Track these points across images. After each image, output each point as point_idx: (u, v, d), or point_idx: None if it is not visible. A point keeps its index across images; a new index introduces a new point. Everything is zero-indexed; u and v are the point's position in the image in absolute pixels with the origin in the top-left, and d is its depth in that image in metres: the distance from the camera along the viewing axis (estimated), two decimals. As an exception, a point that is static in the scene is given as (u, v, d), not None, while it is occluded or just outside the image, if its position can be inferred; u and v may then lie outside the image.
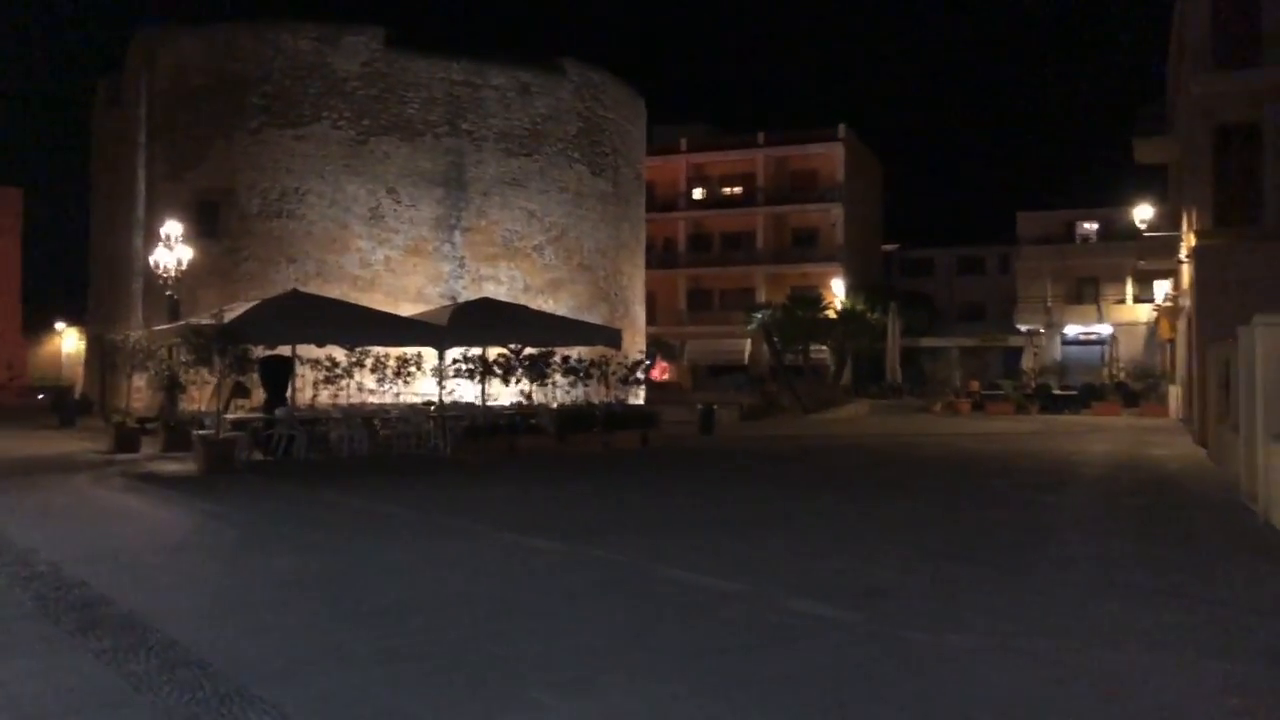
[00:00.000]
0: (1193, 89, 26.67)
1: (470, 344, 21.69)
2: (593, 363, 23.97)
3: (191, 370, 20.20)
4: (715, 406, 27.70)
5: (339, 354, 23.51)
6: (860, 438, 26.53)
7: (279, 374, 20.42)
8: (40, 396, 46.23)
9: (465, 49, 34.12)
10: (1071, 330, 56.78)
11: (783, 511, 13.08)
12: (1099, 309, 55.68)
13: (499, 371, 21.45)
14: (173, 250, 24.30)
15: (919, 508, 13.37)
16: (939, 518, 12.49)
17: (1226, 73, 26.51)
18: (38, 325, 56.55)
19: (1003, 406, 36.84)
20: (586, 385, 24.46)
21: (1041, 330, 56.46)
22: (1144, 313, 52.36)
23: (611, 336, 23.26)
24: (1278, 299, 23.64)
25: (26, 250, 59.86)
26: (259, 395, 21.90)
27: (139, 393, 28.80)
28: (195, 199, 31.60)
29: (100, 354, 32.12)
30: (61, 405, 30.49)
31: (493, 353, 22.56)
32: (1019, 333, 58.34)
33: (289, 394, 20.83)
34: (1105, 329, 55.32)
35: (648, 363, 37.29)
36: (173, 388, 22.15)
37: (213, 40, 32.12)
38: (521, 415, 21.57)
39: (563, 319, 27.22)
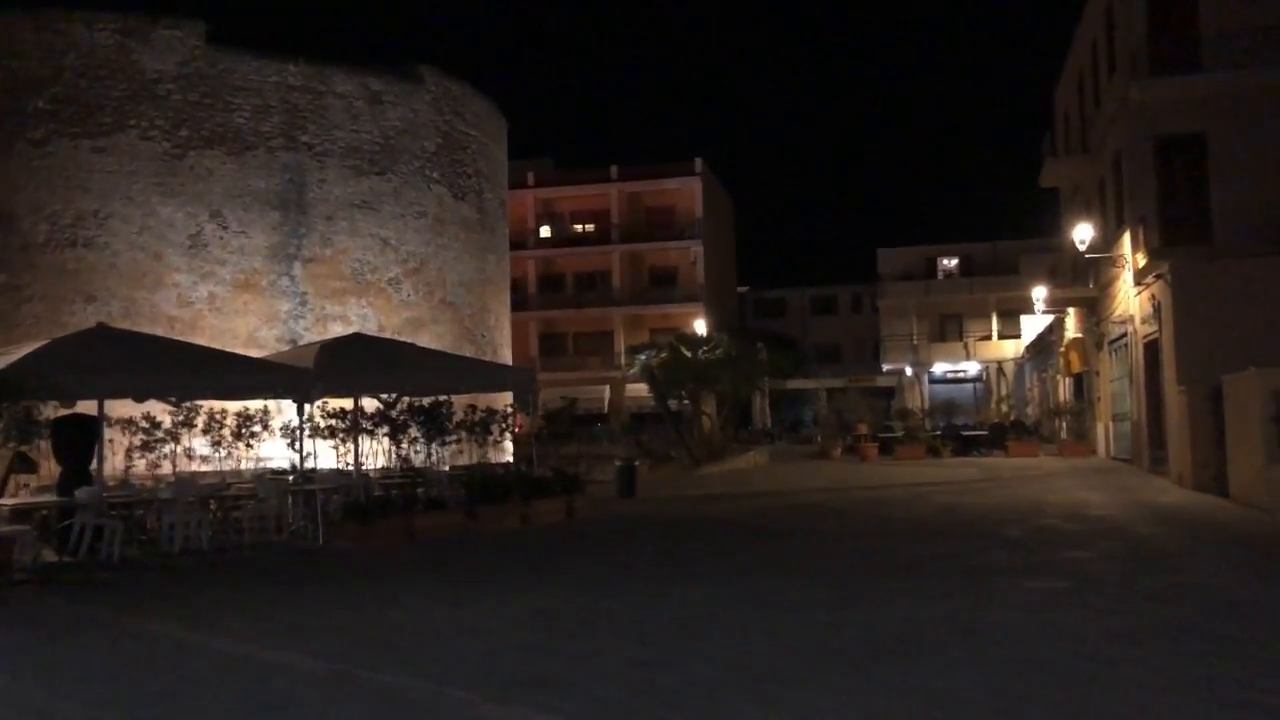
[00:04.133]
0: (1131, 96, 24.51)
1: (345, 392, 16.72)
2: (490, 413, 19.35)
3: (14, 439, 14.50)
4: (636, 463, 23.35)
5: (159, 410, 18.07)
6: (807, 494, 22.71)
7: (79, 441, 14.91)
8: None
9: (303, 50, 29.04)
10: (939, 368, 55.33)
11: (894, 631, 8.90)
12: (965, 346, 54.43)
13: (383, 429, 16.53)
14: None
15: (1060, 608, 9.51)
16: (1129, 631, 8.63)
17: (1167, 79, 24.52)
18: None
19: (912, 450, 33.98)
20: (452, 444, 19.68)
21: (909, 369, 54.79)
22: (1010, 349, 51.30)
23: (521, 380, 18.71)
24: (1253, 323, 21.44)
25: None
26: (52, 469, 16.29)
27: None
28: (-39, 225, 25.27)
29: None
30: None
31: (367, 404, 17.67)
32: (883, 373, 56.59)
33: (94, 467, 15.30)
34: (973, 367, 54.07)
35: (516, 413, 32.63)
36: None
37: (-16, 32, 25.97)
38: (414, 485, 16.71)
39: (461, 359, 22.52)
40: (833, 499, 21.39)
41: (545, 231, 57.27)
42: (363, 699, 6.89)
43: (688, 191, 55.31)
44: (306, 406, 16.22)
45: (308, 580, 12.42)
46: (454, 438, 18.71)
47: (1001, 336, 53.54)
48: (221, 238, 26.65)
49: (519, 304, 55.56)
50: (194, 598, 11.20)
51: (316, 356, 16.19)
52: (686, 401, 36.27)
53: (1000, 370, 52.02)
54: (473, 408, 19.39)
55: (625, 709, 6.51)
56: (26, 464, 16.91)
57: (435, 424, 16.71)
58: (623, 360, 43.52)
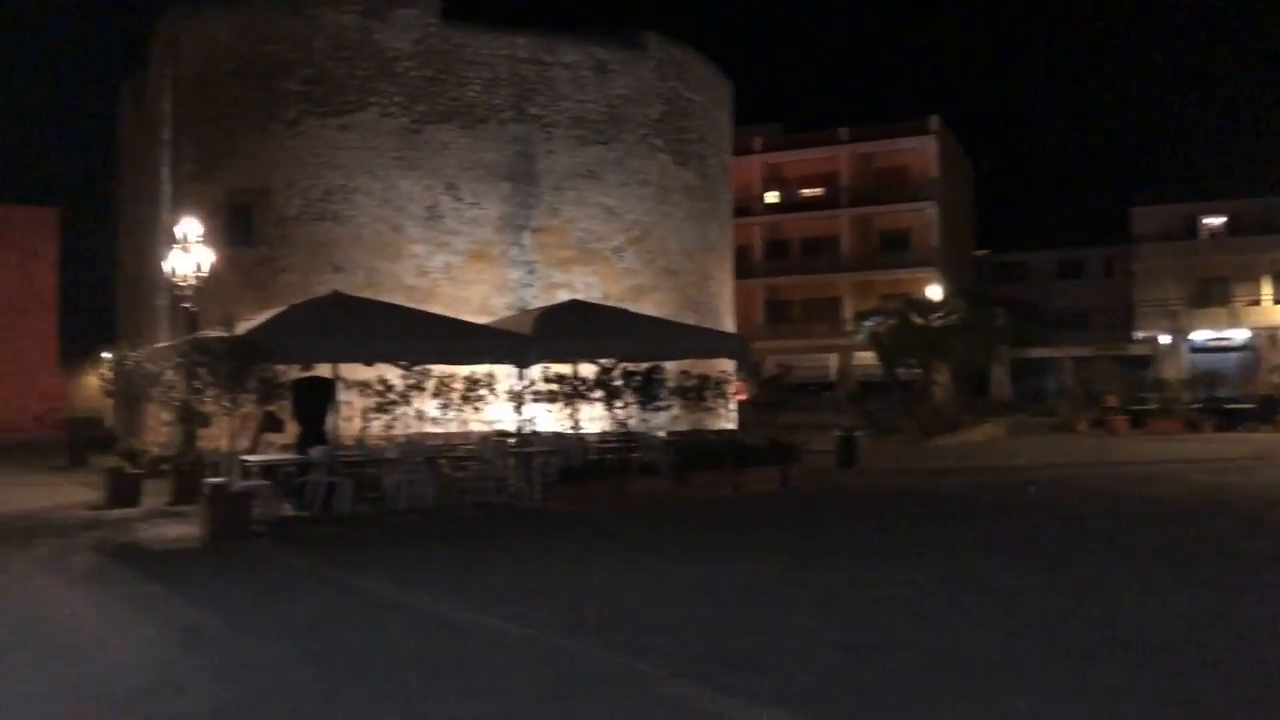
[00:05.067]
0: None
1: (560, 358, 16.94)
2: (702, 380, 19.11)
3: (214, 398, 15.62)
4: (856, 434, 22.64)
5: (393, 375, 18.90)
6: (1045, 470, 21.29)
7: (316, 402, 15.79)
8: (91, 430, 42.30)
9: (531, 22, 29.64)
10: (1200, 336, 50.96)
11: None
12: (1232, 312, 49.85)
13: (598, 394, 16.64)
14: (189, 254, 19.85)
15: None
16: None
17: None
18: (82, 353, 52.73)
19: (1167, 424, 31.40)
20: (668, 409, 19.53)
21: (1166, 337, 50.76)
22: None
23: (733, 346, 18.40)
24: None
25: (66, 274, 56.55)
26: (295, 428, 17.35)
27: (163, 426, 24.44)
28: (226, 201, 27.25)
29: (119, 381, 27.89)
30: (73, 441, 26.21)
31: (585, 369, 17.83)
32: (1135, 340, 52.65)
33: (329, 427, 16.19)
34: (1240, 334, 49.50)
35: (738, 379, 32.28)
36: (189, 420, 17.69)
37: (244, 20, 27.82)
38: (627, 451, 16.76)
39: (675, 325, 22.47)
40: (1074, 475, 19.99)
41: (772, 197, 56.45)
42: (545, 665, 6.85)
43: (922, 151, 53.08)
44: (527, 371, 16.61)
45: (517, 541, 12.67)
46: (667, 403, 18.61)
47: (1276, 301, 48.73)
48: (456, 209, 27.66)
49: (744, 271, 55.10)
50: (408, 555, 11.62)
51: (535, 323, 16.48)
52: (918, 370, 34.88)
53: (1272, 338, 47.19)
54: (686, 374, 19.24)
55: (813, 695, 6.15)
56: (274, 423, 18.08)
57: (648, 390, 16.65)
58: (849, 327, 42.33)
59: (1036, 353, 52.36)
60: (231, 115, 27.38)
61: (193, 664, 7.04)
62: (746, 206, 55.88)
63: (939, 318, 32.81)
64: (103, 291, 42.68)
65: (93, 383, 56.63)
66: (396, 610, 8.70)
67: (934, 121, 52.82)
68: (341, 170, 27.06)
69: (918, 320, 32.71)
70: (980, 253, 62.29)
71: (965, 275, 57.81)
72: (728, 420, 28.51)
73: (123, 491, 16.30)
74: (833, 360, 53.87)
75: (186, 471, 16.23)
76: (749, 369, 50.09)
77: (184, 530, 13.39)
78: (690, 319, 31.16)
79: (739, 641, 7.41)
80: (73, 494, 18.26)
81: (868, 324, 34.58)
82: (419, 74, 27.66)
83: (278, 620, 8.40)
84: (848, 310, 52.06)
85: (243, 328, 14.11)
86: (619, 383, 16.46)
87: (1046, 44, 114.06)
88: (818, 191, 55.75)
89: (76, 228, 56.05)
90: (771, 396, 43.16)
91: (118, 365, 18.74)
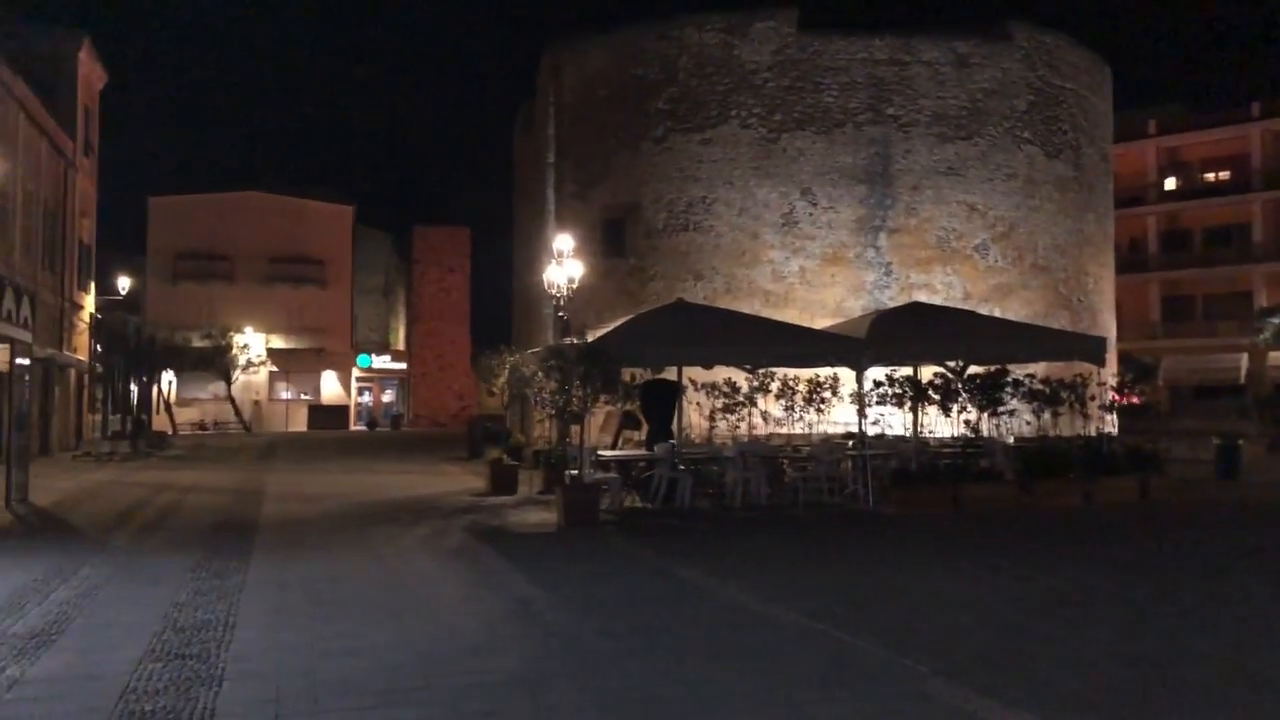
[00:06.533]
0: None
1: (896, 361, 16.95)
2: (1063, 384, 18.21)
3: (576, 398, 17.25)
4: (1241, 441, 20.59)
5: (739, 377, 19.77)
6: None
7: (662, 402, 16.94)
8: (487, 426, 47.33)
9: (889, 22, 29.51)
10: None
11: None
12: None
13: (935, 396, 16.48)
14: (562, 266, 21.85)
15: None
16: None
17: None
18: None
19: None
20: (1041, 415, 18.70)
21: None
22: None
23: (1092, 347, 17.44)
24: None
25: (477, 285, 63.40)
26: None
27: (543, 423, 27.01)
28: (601, 217, 29.66)
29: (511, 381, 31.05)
30: (471, 436, 29.56)
31: (927, 372, 17.68)
32: None
33: (675, 426, 17.27)
34: None
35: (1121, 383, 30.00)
36: (561, 417, 19.52)
37: (616, 47, 30.08)
38: (967, 455, 16.45)
39: (1023, 326, 21.67)
40: None
41: (1170, 184, 51.81)
42: (817, 654, 7.20)
43: (1359, 124, 46.68)
44: (867, 373, 16.79)
45: (837, 540, 12.96)
46: (1046, 406, 17.82)
47: None
48: (811, 214, 28.15)
49: (1136, 264, 51.17)
50: (729, 548, 12.28)
51: (870, 326, 16.61)
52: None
53: None
54: (1057, 381, 18.34)
55: (1079, 704, 6.05)
56: (633, 421, 19.56)
57: (988, 394, 16.21)
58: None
59: None
60: (606, 136, 29.69)
61: (513, 631, 8.09)
62: (1139, 195, 51.88)
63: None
64: (503, 301, 47.42)
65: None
66: (702, 596, 9.37)
67: (1371, 88, 46.13)
68: (703, 182, 28.45)
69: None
70: None
71: None
72: (1107, 426, 26.77)
73: (502, 480, 18.37)
74: (1243, 361, 48.56)
75: (554, 464, 17.99)
76: (1138, 371, 46.61)
77: (545, 516, 14.94)
78: (1062, 317, 29.64)
79: (1017, 646, 7.36)
80: (465, 481, 20.77)
81: (1276, 320, 31.03)
82: (776, 84, 28.45)
83: (596, 598, 9.34)
84: (1263, 304, 46.72)
85: (596, 334, 15.48)
86: (956, 386, 16.18)
87: None
88: (1223, 175, 50.45)
89: (484, 244, 62.74)
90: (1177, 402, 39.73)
91: (500, 368, 20.96)
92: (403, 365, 61.70)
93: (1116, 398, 21.66)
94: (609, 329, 15.93)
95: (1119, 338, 45.43)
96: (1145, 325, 50.51)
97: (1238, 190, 49.45)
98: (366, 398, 60.70)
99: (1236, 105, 50.13)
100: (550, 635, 7.96)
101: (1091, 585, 9.78)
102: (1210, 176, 51.06)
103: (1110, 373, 26.02)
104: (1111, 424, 26.45)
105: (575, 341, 14.84)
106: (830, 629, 7.93)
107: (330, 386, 57.83)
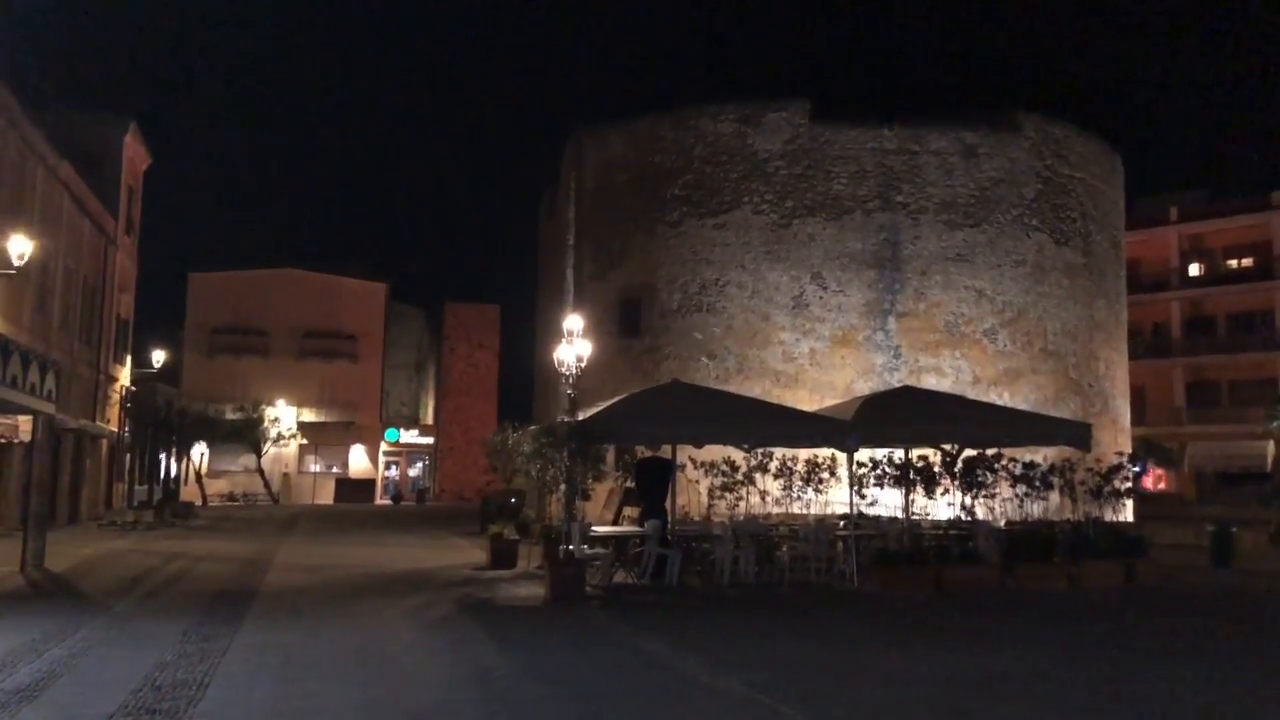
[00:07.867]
0: None
1: (884, 443, 17.37)
2: (1053, 468, 18.52)
3: (564, 473, 17.77)
4: (1235, 529, 20.64)
5: (739, 456, 20.22)
6: None
7: (656, 480, 17.40)
8: (513, 500, 47.80)
9: (898, 113, 30.37)
10: None
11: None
12: None
13: (919, 478, 16.83)
14: (571, 345, 22.52)
15: None
16: None
17: None
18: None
19: None
20: (1044, 498, 18.99)
21: None
22: None
23: (1076, 433, 17.73)
24: None
25: (506, 362, 64.32)
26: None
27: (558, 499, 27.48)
28: (618, 298, 30.51)
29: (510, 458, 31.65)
30: (484, 510, 30.06)
31: (930, 454, 18.04)
32: None
33: (670, 503, 17.70)
34: None
35: (1136, 469, 30.05)
36: (572, 492, 20.03)
37: (636, 135, 31.19)
38: (952, 537, 16.73)
39: (1008, 410, 22.01)
40: None
41: (1194, 269, 51.99)
42: (745, 723, 7.58)
43: (1380, 212, 46.75)
44: (864, 454, 17.17)
45: (812, 618, 13.26)
46: (1038, 489, 18.11)
47: None
48: (821, 297, 28.77)
49: (1160, 350, 51.15)
50: (703, 623, 12.65)
51: (858, 408, 17.05)
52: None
53: None
54: (1065, 463, 18.66)
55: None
56: (634, 497, 19.98)
57: (967, 477, 16.55)
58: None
59: None
60: (624, 220, 30.65)
61: (466, 696, 8.54)
62: (1162, 280, 52.03)
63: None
64: (529, 379, 48.25)
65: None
66: (658, 669, 9.76)
67: (1392, 177, 46.30)
68: (716, 265, 29.23)
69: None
70: None
71: None
72: (1123, 513, 26.80)
73: (501, 555, 18.84)
74: (1269, 448, 48.11)
75: (551, 539, 18.42)
76: (1163, 457, 46.38)
77: (534, 591, 15.35)
78: (1072, 402, 29.86)
79: (941, 722, 7.71)
80: (469, 555, 21.23)
81: (1292, 408, 31.01)
82: (788, 172, 29.32)
83: (561, 669, 9.75)
84: (1288, 391, 46.47)
85: (588, 412, 16.04)
86: (937, 470, 16.54)
87: None
88: (1246, 262, 50.60)
89: (513, 322, 63.87)
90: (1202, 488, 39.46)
91: (500, 444, 21.53)
92: (430, 440, 62.52)
93: (1145, 484, 21.74)
94: (600, 408, 16.47)
95: (1144, 423, 45.42)
96: (1170, 411, 50.31)
97: (1261, 277, 49.52)
98: (393, 471, 61.46)
99: (1257, 191, 50.45)
100: (506, 700, 8.40)
101: (1038, 666, 10.05)
102: (1233, 263, 51.21)
103: (1117, 453, 26.21)
104: (1123, 511, 26.51)
105: (565, 419, 15.39)
106: (768, 700, 8.30)
107: (358, 460, 58.70)
